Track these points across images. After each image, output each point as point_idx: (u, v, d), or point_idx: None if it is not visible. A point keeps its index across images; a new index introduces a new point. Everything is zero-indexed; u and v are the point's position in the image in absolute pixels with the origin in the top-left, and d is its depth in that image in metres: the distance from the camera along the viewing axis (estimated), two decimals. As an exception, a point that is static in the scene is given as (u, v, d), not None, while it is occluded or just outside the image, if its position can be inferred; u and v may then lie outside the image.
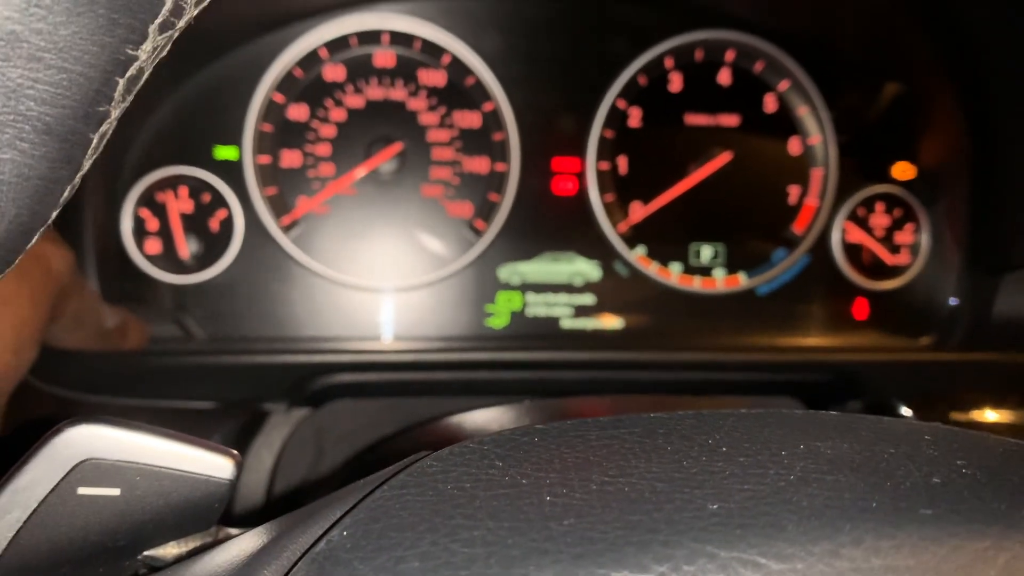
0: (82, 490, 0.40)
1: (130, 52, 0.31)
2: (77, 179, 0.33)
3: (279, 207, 0.98)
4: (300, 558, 0.32)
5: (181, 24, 0.33)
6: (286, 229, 0.98)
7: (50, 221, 0.33)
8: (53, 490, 0.39)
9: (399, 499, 0.34)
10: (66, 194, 0.33)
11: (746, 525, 0.30)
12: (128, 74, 0.32)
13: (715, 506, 0.32)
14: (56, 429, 0.40)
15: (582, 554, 0.29)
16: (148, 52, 0.32)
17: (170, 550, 0.43)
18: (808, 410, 0.44)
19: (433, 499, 0.34)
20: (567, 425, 0.41)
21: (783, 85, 1.05)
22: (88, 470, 0.40)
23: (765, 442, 0.38)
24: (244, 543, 0.39)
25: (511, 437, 0.39)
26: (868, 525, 0.31)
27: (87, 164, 0.33)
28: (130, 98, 0.33)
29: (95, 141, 0.32)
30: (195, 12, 0.34)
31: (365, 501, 0.34)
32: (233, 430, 0.91)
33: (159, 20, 0.32)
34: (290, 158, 0.98)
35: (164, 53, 0.34)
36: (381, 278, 0.99)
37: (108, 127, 0.33)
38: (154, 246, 0.96)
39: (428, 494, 0.34)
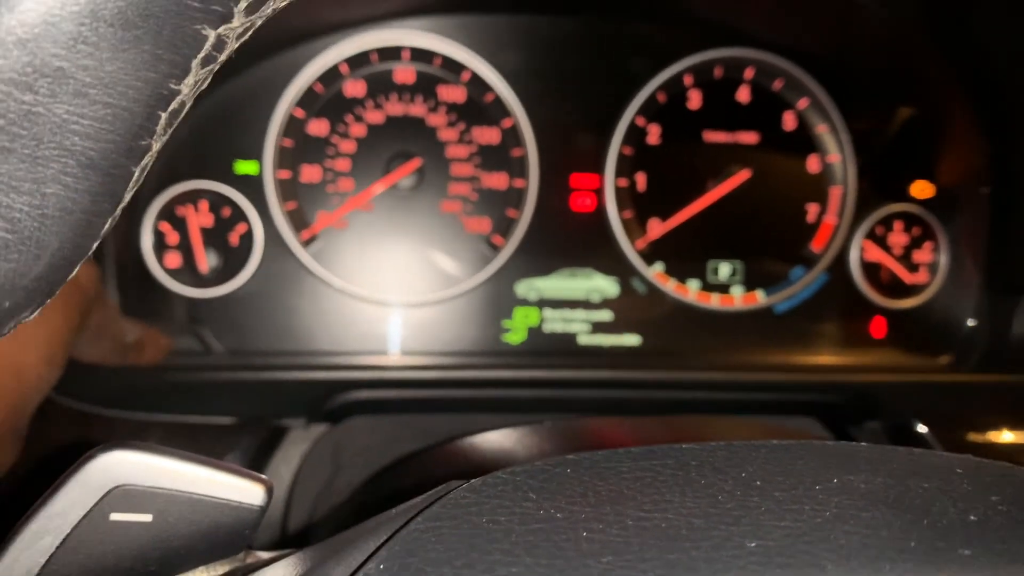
0: (114, 516, 0.40)
1: (173, 87, 0.32)
2: (118, 212, 0.33)
3: (298, 222, 0.98)
4: (337, 592, 0.32)
5: (223, 57, 0.33)
6: (305, 244, 0.98)
7: (90, 253, 0.33)
8: (86, 516, 0.39)
9: (434, 532, 0.34)
10: (107, 227, 0.33)
11: (786, 565, 0.30)
12: (171, 108, 0.32)
13: (753, 544, 0.32)
14: (89, 455, 0.40)
15: (622, 594, 0.29)
16: (190, 86, 0.32)
17: (199, 575, 0.43)
18: (838, 441, 0.44)
19: (469, 532, 0.34)
20: (599, 456, 0.41)
21: (802, 103, 1.05)
22: (120, 496, 0.40)
23: (799, 475, 0.38)
24: (274, 572, 0.39)
25: (544, 468, 0.39)
26: (908, 566, 0.31)
27: (127, 197, 0.33)
28: (171, 131, 0.34)
29: (136, 174, 0.32)
30: (236, 45, 0.34)
31: (400, 533, 0.34)
32: (252, 446, 0.91)
33: (202, 55, 0.32)
34: (310, 173, 0.98)
35: (205, 86, 0.34)
36: (399, 293, 1.00)
37: (149, 160, 0.33)
38: (174, 260, 0.96)
39: (464, 527, 0.34)
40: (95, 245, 0.33)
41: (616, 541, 0.32)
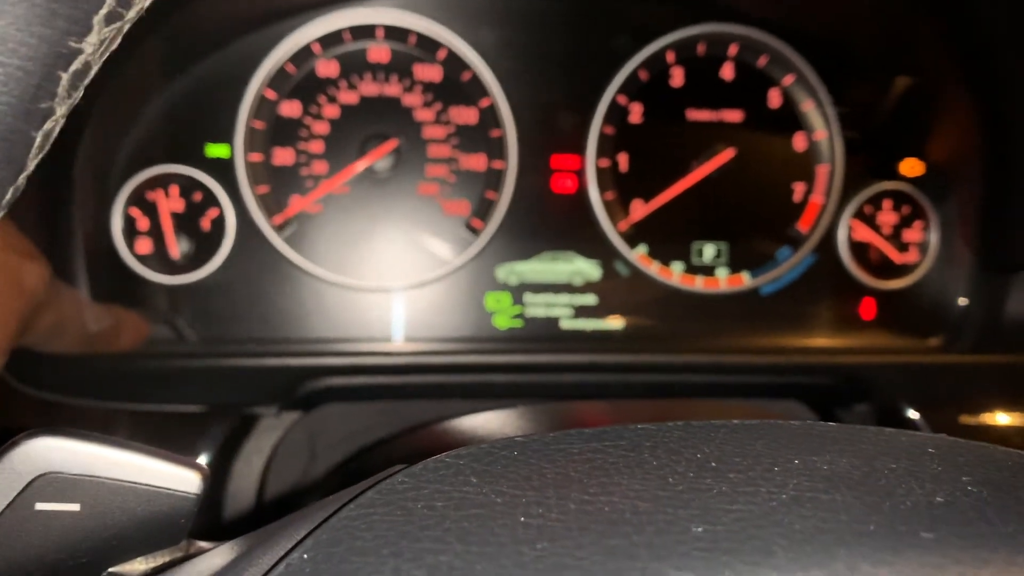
0: (40, 505, 0.38)
1: (73, 45, 0.29)
2: (21, 180, 0.31)
3: (271, 206, 0.96)
4: (257, 583, 0.30)
5: (131, 15, 0.31)
6: (278, 228, 0.96)
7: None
8: (9, 506, 0.37)
9: (365, 519, 0.32)
10: (9, 196, 0.31)
11: (732, 551, 0.28)
12: (72, 68, 0.30)
13: (700, 529, 0.30)
14: (12, 442, 0.38)
15: (553, 583, 0.27)
16: (94, 45, 0.30)
17: (136, 566, 0.41)
18: (806, 421, 0.42)
19: (401, 520, 0.32)
20: (550, 437, 0.39)
21: (787, 80, 1.03)
22: (46, 484, 0.38)
23: (758, 456, 0.36)
24: (208, 561, 0.37)
25: (490, 451, 0.37)
26: (864, 551, 0.29)
27: (31, 164, 0.31)
28: (77, 94, 0.31)
29: (39, 140, 0.30)
30: (147, 3, 0.32)
31: (330, 521, 0.32)
32: (222, 435, 0.89)
33: (104, 11, 0.29)
34: (282, 156, 0.96)
35: (114, 46, 0.32)
36: (375, 279, 0.97)
37: (54, 125, 0.31)
38: (145, 246, 0.94)
39: (396, 514, 0.32)
40: (-2, 216, 0.31)
41: (554, 526, 0.30)
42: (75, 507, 0.38)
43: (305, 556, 0.30)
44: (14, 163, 0.30)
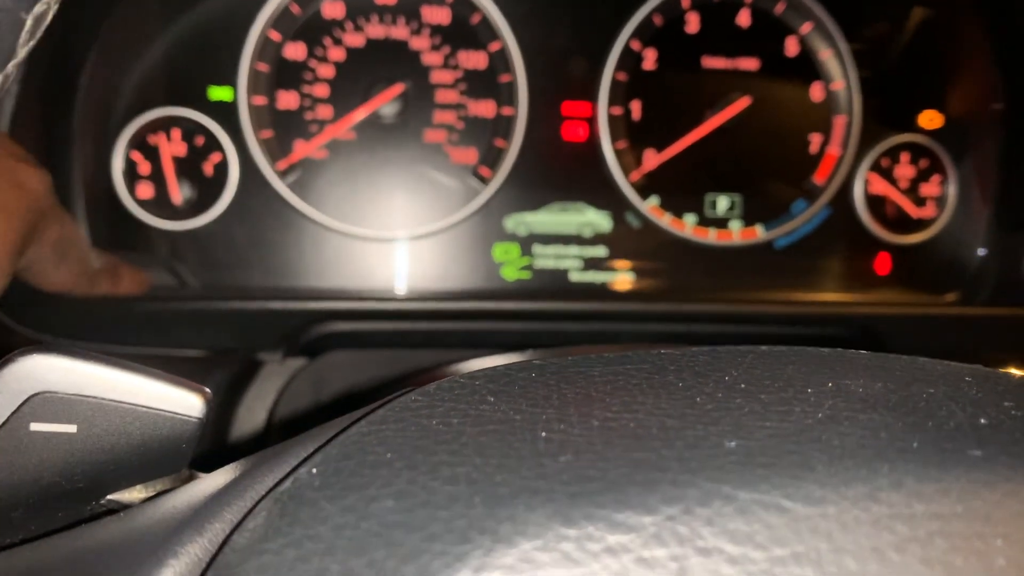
0: (35, 426, 0.36)
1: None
2: (10, 67, 0.29)
3: (275, 151, 0.94)
4: (263, 497, 0.29)
5: None
6: (282, 174, 0.93)
7: None
8: (3, 425, 0.36)
9: (377, 435, 0.30)
10: (-3, 83, 0.29)
11: (769, 464, 0.27)
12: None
13: (733, 443, 0.28)
14: (6, 359, 0.36)
15: (578, 493, 0.25)
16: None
17: (136, 494, 0.40)
18: (836, 349, 0.40)
19: (415, 435, 0.30)
20: (568, 361, 0.37)
21: (805, 27, 1.00)
22: (41, 404, 0.36)
23: (789, 379, 0.34)
24: (210, 482, 0.35)
25: (506, 372, 0.35)
26: (909, 467, 0.27)
27: (21, 52, 0.29)
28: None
29: (29, 23, 0.28)
30: None
31: (339, 437, 0.31)
32: (224, 380, 0.88)
33: None
34: (286, 99, 0.94)
35: None
36: (381, 227, 0.95)
37: (46, 8, 0.29)
38: (146, 190, 0.92)
39: (410, 430, 0.30)
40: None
41: (577, 441, 0.28)
42: (72, 428, 0.37)
43: (314, 471, 0.29)
44: (1, 44, 0.27)
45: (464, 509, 0.25)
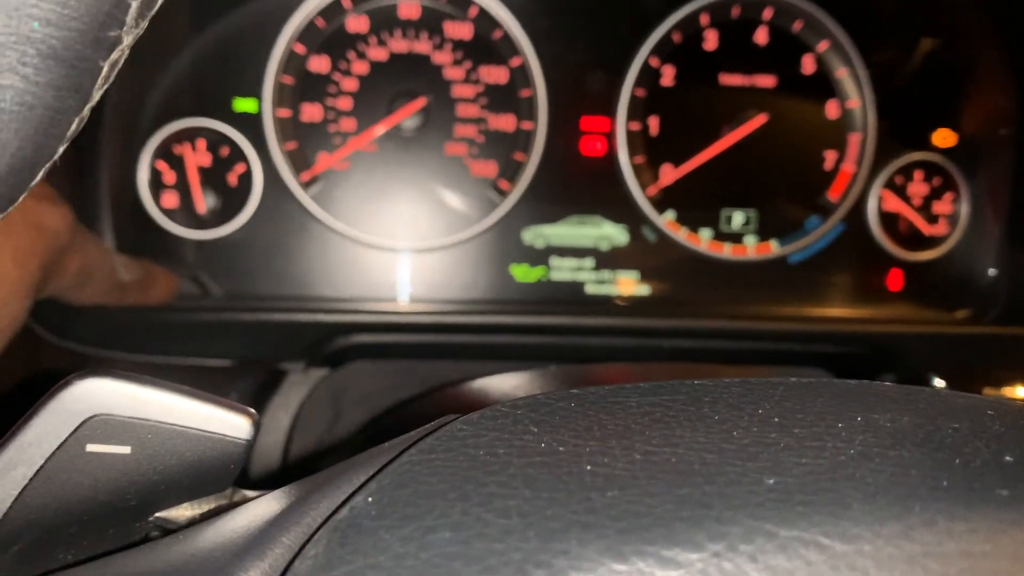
0: (91, 447, 0.38)
1: (143, -29, 0.29)
2: (86, 111, 0.30)
3: (299, 162, 0.95)
4: (321, 525, 0.30)
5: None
6: (305, 185, 0.95)
7: (56, 157, 0.31)
8: (61, 446, 0.37)
9: (428, 464, 0.31)
10: (74, 127, 0.30)
11: (808, 502, 0.28)
12: (141, -4, 0.29)
13: (772, 480, 0.29)
14: (64, 382, 0.37)
15: (628, 528, 0.27)
16: (163, -27, 0.29)
17: (183, 512, 0.41)
18: (863, 381, 0.41)
19: (465, 465, 0.31)
20: (605, 390, 0.38)
21: (822, 46, 1.01)
22: (97, 426, 0.37)
23: (820, 413, 0.36)
24: (262, 507, 0.37)
25: (546, 402, 0.37)
26: (940, 505, 0.28)
27: (96, 95, 0.30)
28: (144, 24, 0.31)
29: (105, 69, 0.30)
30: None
31: (391, 465, 0.32)
32: (249, 389, 0.89)
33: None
34: (310, 112, 0.95)
35: None
36: (401, 238, 0.97)
37: (120, 55, 0.30)
38: (171, 200, 0.94)
39: (459, 459, 0.32)
40: (61, 148, 0.30)
41: (622, 475, 0.30)
42: (126, 450, 0.38)
43: (370, 499, 0.30)
44: (81, 92, 0.29)
45: (518, 542, 0.26)
